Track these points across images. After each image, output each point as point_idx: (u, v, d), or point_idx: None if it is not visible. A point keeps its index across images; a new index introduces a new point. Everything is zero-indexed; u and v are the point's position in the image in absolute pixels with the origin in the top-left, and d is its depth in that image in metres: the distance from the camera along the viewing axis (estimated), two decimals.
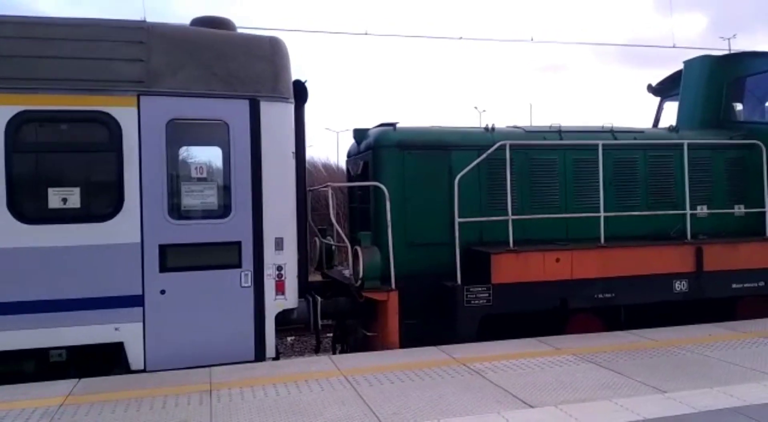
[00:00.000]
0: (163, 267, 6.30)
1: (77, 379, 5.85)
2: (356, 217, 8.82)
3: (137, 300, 6.23)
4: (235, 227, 6.54)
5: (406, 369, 5.99)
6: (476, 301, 7.36)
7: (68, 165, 6.37)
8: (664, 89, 11.55)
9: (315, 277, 8.98)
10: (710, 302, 8.39)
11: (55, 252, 6.05)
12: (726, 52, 11.69)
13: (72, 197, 6.14)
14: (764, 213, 8.66)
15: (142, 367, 6.21)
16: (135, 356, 6.21)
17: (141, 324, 6.23)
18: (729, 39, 36.38)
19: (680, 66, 10.79)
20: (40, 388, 5.64)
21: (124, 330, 6.19)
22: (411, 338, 7.13)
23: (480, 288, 7.39)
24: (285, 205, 6.77)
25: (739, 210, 8.98)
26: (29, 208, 6.11)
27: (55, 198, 6.11)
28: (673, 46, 16.01)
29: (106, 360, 6.28)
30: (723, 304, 8.49)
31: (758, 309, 8.58)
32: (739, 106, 10.30)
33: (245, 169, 6.59)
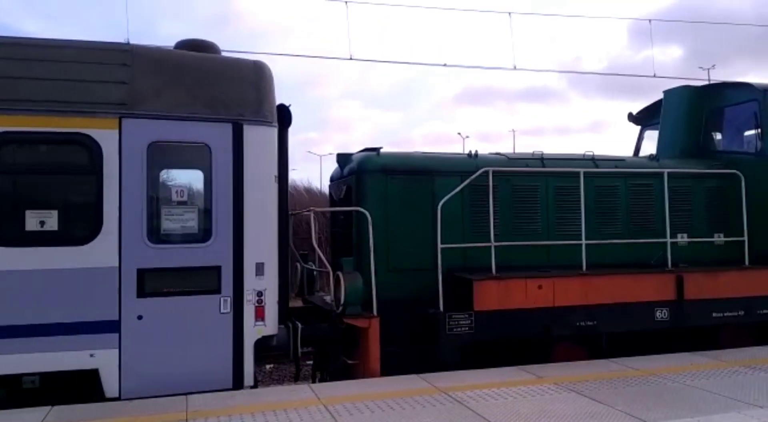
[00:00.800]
0: (141, 292, 6.19)
1: (50, 407, 5.70)
2: (338, 242, 8.77)
3: (113, 326, 6.10)
4: (216, 251, 6.46)
5: (386, 398, 5.91)
6: (458, 329, 7.31)
7: (47, 187, 6.27)
8: (644, 118, 11.71)
9: (296, 303, 8.88)
10: (693, 330, 8.41)
11: (30, 275, 5.93)
12: (705, 83, 11.88)
13: (50, 220, 6.04)
14: (743, 242, 8.74)
15: (117, 395, 6.06)
16: (110, 383, 6.06)
17: (117, 350, 6.10)
18: (708, 69, 37.13)
19: (655, 98, 10.99)
20: (12, 416, 5.48)
21: (99, 357, 6.05)
22: (392, 366, 7.04)
23: (462, 316, 7.36)
24: (267, 230, 6.71)
25: (719, 239, 9.06)
26: (5, 230, 6.00)
27: (32, 220, 6.00)
28: (654, 76, 16.23)
29: (81, 387, 6.12)
30: (706, 332, 8.52)
31: (740, 337, 8.62)
32: (718, 136, 10.46)
33: (227, 193, 6.53)
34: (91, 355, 6.03)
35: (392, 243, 7.76)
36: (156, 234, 6.33)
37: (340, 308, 7.09)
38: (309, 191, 20.86)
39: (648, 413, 5.44)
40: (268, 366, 10.74)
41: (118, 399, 6.06)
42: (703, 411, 5.49)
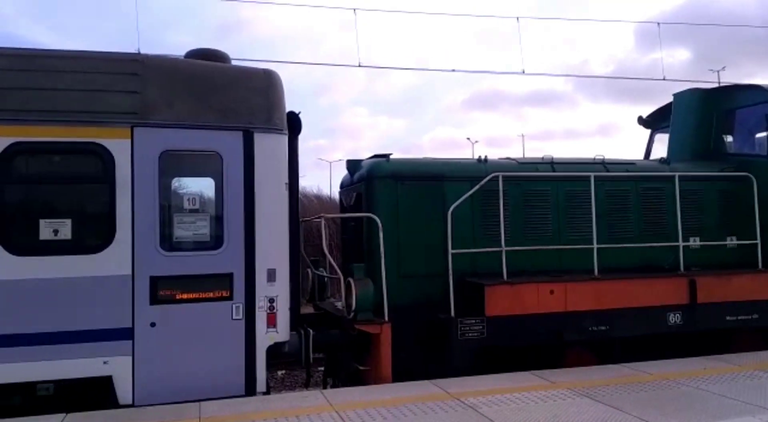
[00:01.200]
0: (154, 300, 6.23)
1: (64, 414, 5.74)
2: (349, 248, 8.79)
3: (127, 333, 6.14)
4: (227, 258, 6.49)
5: (398, 404, 5.91)
6: (470, 334, 7.30)
7: (60, 196, 6.33)
8: (654, 121, 11.67)
9: (307, 309, 8.90)
10: (707, 334, 8.36)
11: (44, 284, 5.98)
12: (715, 85, 11.83)
13: (63, 228, 6.09)
14: (756, 245, 8.68)
15: (130, 402, 6.09)
16: (123, 390, 6.09)
17: (130, 357, 6.13)
18: (718, 71, 36.99)
19: (663, 101, 10.95)
20: None
21: (112, 364, 6.08)
22: (404, 371, 7.04)
23: (473, 321, 7.34)
24: (278, 237, 6.73)
25: (731, 242, 9.00)
26: (19, 240, 6.05)
27: (46, 229, 6.06)
28: (663, 79, 16.20)
29: (94, 394, 6.16)
30: (720, 337, 8.46)
31: (755, 341, 8.55)
32: (729, 139, 10.41)
33: (238, 200, 6.57)
34: (105, 362, 6.07)
35: (403, 249, 7.76)
36: (168, 242, 6.37)
37: (352, 314, 7.10)
38: (319, 198, 20.96)
39: (663, 418, 5.41)
40: (279, 373, 10.76)
41: (132, 405, 6.08)
42: (719, 416, 5.45)
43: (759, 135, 9.80)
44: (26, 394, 6.03)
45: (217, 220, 6.55)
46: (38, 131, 6.10)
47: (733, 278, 8.40)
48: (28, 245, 6.02)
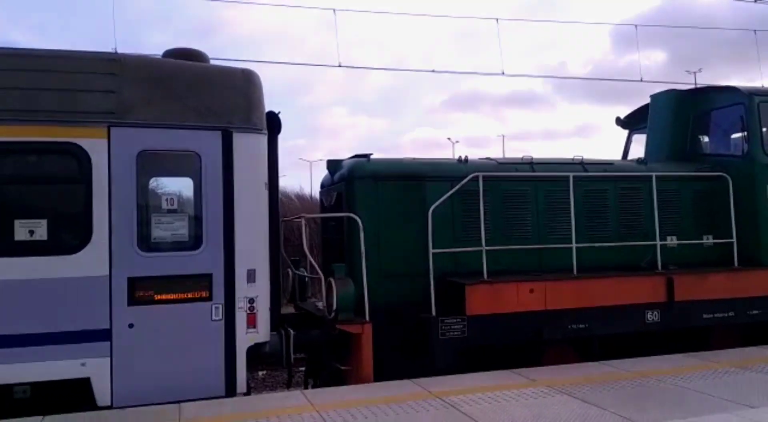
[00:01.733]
0: (132, 301, 6.16)
1: (41, 417, 5.66)
2: (330, 248, 8.77)
3: (105, 335, 6.07)
4: (207, 259, 6.44)
5: (380, 404, 5.91)
6: (451, 333, 7.32)
7: (36, 197, 6.25)
8: (632, 122, 11.80)
9: (288, 309, 8.87)
10: (685, 332, 8.46)
11: (20, 285, 5.90)
12: (692, 86, 11.97)
13: (39, 229, 6.01)
14: (732, 243, 8.81)
15: (109, 404, 6.03)
16: (102, 392, 6.02)
17: (108, 359, 6.06)
18: (695, 73, 37.43)
19: (640, 103, 11.08)
20: None
21: (90, 366, 6.01)
22: (385, 371, 7.05)
23: (454, 320, 7.37)
24: (258, 237, 6.70)
25: (708, 240, 9.13)
26: None
27: (21, 230, 5.97)
28: (641, 80, 16.38)
29: (73, 396, 6.08)
30: (697, 334, 8.57)
31: (731, 339, 8.68)
32: (705, 139, 10.55)
33: (217, 200, 6.52)
34: (83, 364, 5.99)
35: (383, 249, 7.76)
36: (146, 243, 6.31)
37: (332, 314, 7.09)
38: (300, 197, 20.83)
39: (640, 415, 5.46)
40: (260, 373, 10.70)
41: (110, 407, 6.02)
42: (696, 412, 5.52)
43: (734, 135, 9.95)
44: (3, 397, 5.93)
45: (196, 220, 6.50)
46: (14, 131, 6.01)
47: (709, 276, 8.53)
48: (3, 246, 5.93)
